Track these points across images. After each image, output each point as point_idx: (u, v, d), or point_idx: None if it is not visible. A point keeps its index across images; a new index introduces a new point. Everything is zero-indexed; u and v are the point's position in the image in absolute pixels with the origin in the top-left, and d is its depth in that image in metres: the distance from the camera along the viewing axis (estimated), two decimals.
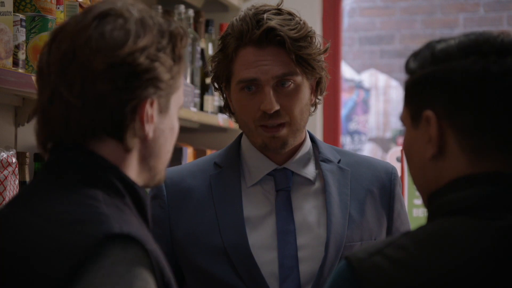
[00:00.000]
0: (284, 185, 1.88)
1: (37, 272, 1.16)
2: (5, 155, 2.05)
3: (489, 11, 6.28)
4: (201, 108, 3.32)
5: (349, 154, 1.98)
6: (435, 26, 6.39)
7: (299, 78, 1.83)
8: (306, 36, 1.83)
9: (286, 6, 1.87)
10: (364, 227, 1.87)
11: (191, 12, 3.31)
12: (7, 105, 2.37)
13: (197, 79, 3.29)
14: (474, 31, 1.29)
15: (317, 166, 1.92)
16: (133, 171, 1.30)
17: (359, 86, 6.81)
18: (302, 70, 1.83)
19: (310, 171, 1.91)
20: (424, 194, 1.29)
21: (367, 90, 6.82)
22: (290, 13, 1.85)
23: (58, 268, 1.15)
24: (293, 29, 1.81)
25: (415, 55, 1.30)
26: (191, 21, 3.32)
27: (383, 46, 6.57)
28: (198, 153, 3.35)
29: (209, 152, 3.36)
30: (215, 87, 1.93)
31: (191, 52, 3.22)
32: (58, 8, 2.14)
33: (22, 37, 2.01)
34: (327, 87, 1.93)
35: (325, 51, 1.89)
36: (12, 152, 2.09)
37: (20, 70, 2.00)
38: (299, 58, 1.81)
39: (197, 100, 3.26)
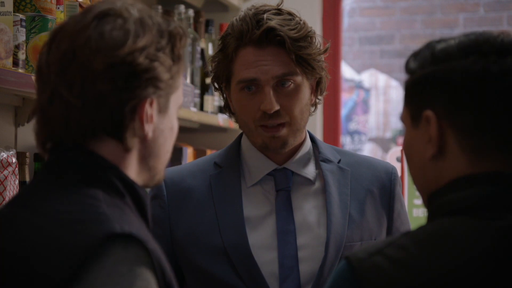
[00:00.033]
0: (284, 185, 1.88)
1: (38, 272, 1.16)
2: (5, 155, 2.05)
3: (489, 11, 6.28)
4: (201, 108, 3.32)
5: (349, 154, 1.98)
6: (435, 26, 6.39)
7: (299, 78, 1.83)
8: (306, 36, 1.83)
9: (286, 6, 1.87)
10: (364, 227, 1.87)
11: (191, 12, 3.31)
12: (7, 105, 2.37)
13: (197, 79, 3.29)
14: (474, 31, 1.29)
15: (317, 166, 1.92)
16: (132, 171, 1.30)
17: (359, 86, 6.81)
18: (302, 70, 1.83)
19: (310, 171, 1.90)
20: (424, 194, 1.29)
21: (367, 90, 6.82)
22: (290, 13, 1.85)
23: (58, 268, 1.15)
24: (293, 29, 1.81)
25: (415, 55, 1.30)
26: (191, 21, 3.32)
27: (383, 46, 6.57)
28: (198, 153, 3.35)
29: (209, 152, 3.36)
30: (215, 87, 1.93)
31: (191, 52, 3.22)
32: (58, 8, 2.14)
33: (22, 37, 2.01)
34: (327, 87, 1.93)
35: (325, 51, 1.89)
36: (12, 152, 2.09)
37: (20, 70, 2.00)
38: (299, 58, 1.81)
39: (197, 100, 3.26)
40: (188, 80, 3.19)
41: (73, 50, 1.25)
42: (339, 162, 1.93)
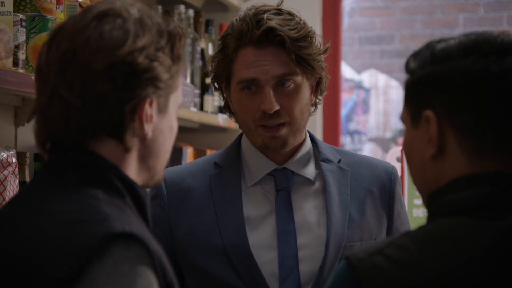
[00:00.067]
0: (284, 185, 1.88)
1: (38, 272, 1.16)
2: (5, 155, 2.05)
3: (489, 11, 6.28)
4: (201, 108, 3.32)
5: (349, 154, 1.98)
6: (435, 26, 6.39)
7: (299, 78, 1.83)
8: (306, 36, 1.83)
9: (286, 6, 1.87)
10: (364, 227, 1.87)
11: (191, 12, 3.31)
12: (7, 105, 2.37)
13: (197, 79, 3.29)
14: (474, 31, 1.29)
15: (317, 166, 1.92)
16: (132, 170, 1.30)
17: (359, 86, 6.81)
18: (302, 70, 1.83)
19: (310, 171, 1.90)
20: (424, 194, 1.29)
21: (367, 90, 6.82)
22: (290, 13, 1.85)
23: (59, 268, 1.15)
24: (293, 29, 1.81)
25: (415, 55, 1.30)
26: (191, 21, 3.31)
27: (383, 46, 6.57)
28: (198, 153, 3.35)
29: (209, 152, 3.36)
30: (215, 87, 1.93)
31: (191, 52, 3.22)
32: (58, 8, 2.14)
33: (22, 37, 2.01)
34: (327, 87, 1.93)
35: (325, 51, 1.89)
36: (12, 152, 2.09)
37: (20, 70, 2.00)
38: (299, 58, 1.81)
39: (197, 100, 3.26)
40: (188, 80, 3.19)
41: (73, 50, 1.25)
42: (339, 162, 1.93)
